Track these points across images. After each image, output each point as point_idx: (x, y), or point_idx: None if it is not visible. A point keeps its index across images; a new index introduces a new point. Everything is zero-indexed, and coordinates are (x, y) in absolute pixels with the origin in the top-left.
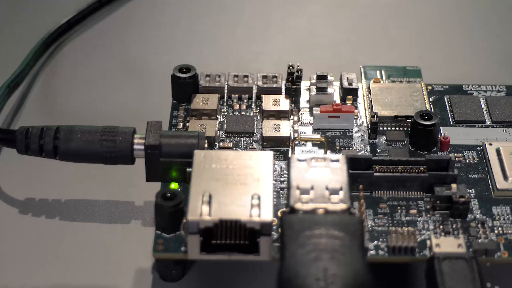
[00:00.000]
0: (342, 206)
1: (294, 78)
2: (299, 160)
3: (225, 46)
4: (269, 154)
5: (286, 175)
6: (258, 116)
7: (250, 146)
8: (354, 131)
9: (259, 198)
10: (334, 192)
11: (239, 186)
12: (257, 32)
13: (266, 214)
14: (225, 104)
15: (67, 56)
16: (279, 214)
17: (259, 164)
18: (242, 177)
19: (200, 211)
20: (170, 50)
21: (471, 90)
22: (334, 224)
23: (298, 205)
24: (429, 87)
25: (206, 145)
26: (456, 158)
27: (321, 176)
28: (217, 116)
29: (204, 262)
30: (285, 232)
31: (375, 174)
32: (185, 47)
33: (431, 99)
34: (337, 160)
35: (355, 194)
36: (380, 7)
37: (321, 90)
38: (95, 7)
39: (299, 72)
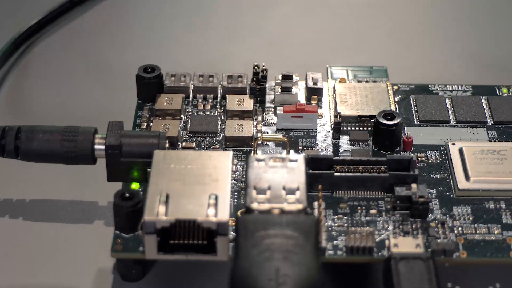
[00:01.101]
0: (298, 206)
1: (259, 78)
2: (257, 160)
3: (195, 46)
4: (228, 154)
5: None
6: (223, 116)
7: (213, 146)
8: (317, 131)
9: (216, 198)
10: (291, 192)
11: (197, 186)
12: (227, 32)
13: (222, 214)
14: (190, 104)
15: (37, 57)
16: (238, 214)
17: (218, 164)
18: (201, 177)
19: (156, 211)
20: (140, 51)
21: (437, 90)
22: (288, 224)
23: (254, 205)
24: (395, 87)
25: (167, 145)
26: (419, 158)
27: (279, 176)
28: (181, 116)
29: (165, 262)
30: (240, 232)
31: (336, 174)
32: (154, 48)
33: (396, 99)
34: (295, 160)
35: (316, 194)
36: (351, 7)
37: (286, 90)
38: (65, 8)
39: (264, 72)
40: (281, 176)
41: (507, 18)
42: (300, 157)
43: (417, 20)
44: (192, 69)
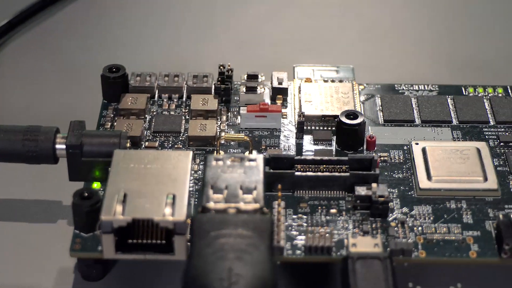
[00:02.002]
0: (254, 205)
1: (224, 77)
2: (216, 160)
3: (164, 46)
4: (188, 154)
5: None
6: (187, 116)
7: (176, 146)
8: (281, 131)
9: (174, 197)
10: (248, 191)
11: (155, 186)
12: (196, 32)
13: (179, 213)
14: (155, 104)
15: (7, 57)
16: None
17: (177, 164)
18: (160, 176)
19: (114, 211)
20: (108, 51)
21: (403, 89)
22: (243, 223)
23: (210, 205)
24: (362, 87)
25: (128, 145)
26: (382, 158)
27: (237, 176)
28: (146, 115)
29: (126, 262)
30: (194, 231)
31: (296, 173)
32: (123, 48)
33: (362, 99)
34: (254, 160)
35: (277, 193)
36: (319, 8)
37: (251, 89)
38: (35, 9)
39: (229, 72)
40: (239, 176)
41: (475, 18)
42: (259, 157)
43: (385, 20)
44: (161, 69)
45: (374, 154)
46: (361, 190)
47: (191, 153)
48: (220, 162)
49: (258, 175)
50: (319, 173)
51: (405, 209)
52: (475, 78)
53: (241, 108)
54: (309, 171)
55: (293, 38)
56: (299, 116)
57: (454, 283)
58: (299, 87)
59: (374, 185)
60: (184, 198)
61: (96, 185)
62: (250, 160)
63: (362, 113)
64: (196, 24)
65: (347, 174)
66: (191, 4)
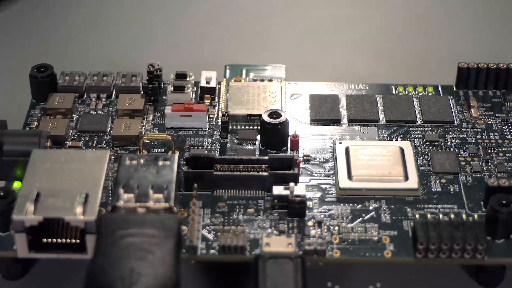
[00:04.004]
0: (164, 205)
1: (152, 77)
2: (130, 159)
3: (97, 45)
4: (105, 153)
5: None
6: (115, 115)
7: (100, 145)
8: (207, 130)
9: (86, 196)
10: (159, 191)
11: (70, 185)
12: (130, 32)
13: (91, 212)
14: (84, 103)
15: None
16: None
17: (94, 163)
18: (75, 176)
19: (25, 210)
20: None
21: (333, 89)
22: (150, 223)
23: (119, 204)
24: (292, 86)
25: (48, 144)
26: (305, 157)
27: (150, 175)
28: (72, 115)
29: (46, 261)
30: (101, 230)
31: (215, 173)
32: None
33: (292, 98)
34: (168, 159)
35: (198, 193)
36: (254, 7)
37: (178, 88)
38: None
39: (158, 71)
40: (151, 175)
41: (408, 18)
42: (173, 156)
43: (318, 19)
44: (94, 68)
45: (294, 154)
46: (278, 190)
47: (108, 152)
48: (134, 162)
49: (170, 175)
50: (237, 173)
51: (324, 209)
52: (407, 77)
53: (166, 107)
54: (228, 170)
55: (224, 37)
56: (223, 115)
57: (373, 282)
58: (227, 86)
59: (292, 184)
60: (97, 198)
61: (17, 184)
62: (165, 159)
63: (288, 112)
64: (131, 23)
65: (266, 173)
66: (126, 3)
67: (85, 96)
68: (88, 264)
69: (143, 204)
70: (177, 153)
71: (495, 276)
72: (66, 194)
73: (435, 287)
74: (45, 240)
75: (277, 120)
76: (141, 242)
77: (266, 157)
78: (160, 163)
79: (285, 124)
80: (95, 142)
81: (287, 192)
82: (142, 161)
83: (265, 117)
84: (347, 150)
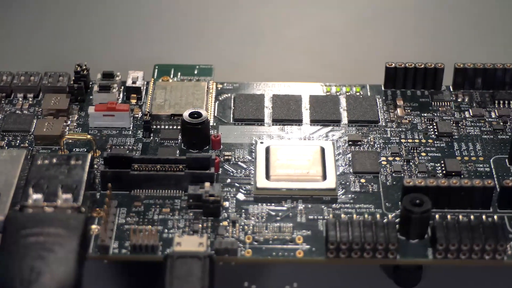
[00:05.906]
0: (71, 204)
1: (79, 76)
2: (43, 159)
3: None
4: (20, 152)
5: None
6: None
7: (22, 145)
8: (130, 130)
9: None
10: (68, 190)
11: None
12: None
13: (0, 212)
14: (11, 103)
15: None
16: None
17: (8, 163)
18: None
19: None
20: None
21: (259, 89)
22: (55, 222)
23: (28, 203)
24: (220, 86)
25: None
26: (225, 157)
27: (60, 175)
28: None
29: None
30: (6, 230)
31: (131, 172)
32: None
33: (220, 98)
34: (79, 159)
35: (114, 192)
36: (185, 7)
37: (104, 88)
38: None
39: (85, 71)
40: (62, 175)
41: (342, 17)
42: (85, 156)
43: (251, 19)
44: (22, 68)
45: (212, 153)
46: (193, 189)
47: (24, 152)
48: (46, 161)
49: (81, 175)
50: (154, 172)
51: (240, 208)
52: (338, 77)
53: (89, 107)
54: (145, 170)
55: (156, 36)
56: (145, 115)
57: (290, 282)
58: (153, 86)
59: (207, 184)
60: (9, 197)
61: None
62: (77, 159)
63: (211, 112)
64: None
65: (182, 173)
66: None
67: (12, 96)
68: None
69: (50, 203)
70: (90, 153)
71: (412, 276)
72: None
73: (353, 286)
74: None
75: (197, 119)
76: (44, 241)
77: (184, 157)
78: (72, 162)
79: (205, 123)
80: (18, 141)
81: (201, 192)
82: (54, 160)
83: (186, 117)
84: (267, 150)
